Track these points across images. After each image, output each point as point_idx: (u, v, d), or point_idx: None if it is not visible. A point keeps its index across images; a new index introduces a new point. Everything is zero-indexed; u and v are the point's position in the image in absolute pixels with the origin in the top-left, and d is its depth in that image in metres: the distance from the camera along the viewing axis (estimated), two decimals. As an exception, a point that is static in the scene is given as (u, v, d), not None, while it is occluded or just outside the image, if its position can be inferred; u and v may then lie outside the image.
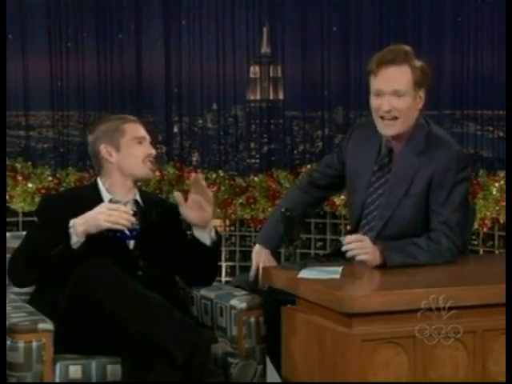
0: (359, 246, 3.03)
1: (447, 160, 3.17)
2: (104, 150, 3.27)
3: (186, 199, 3.28)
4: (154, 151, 3.32)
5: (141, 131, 3.33)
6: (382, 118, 3.16)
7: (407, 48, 3.18)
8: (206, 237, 3.30)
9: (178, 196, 3.29)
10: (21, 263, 3.13)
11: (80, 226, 3.06)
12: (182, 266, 3.33)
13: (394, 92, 3.12)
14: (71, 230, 3.06)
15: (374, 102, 3.16)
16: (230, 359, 3.10)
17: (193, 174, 3.34)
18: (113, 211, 3.08)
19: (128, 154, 3.27)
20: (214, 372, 3.02)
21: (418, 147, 3.20)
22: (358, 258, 3.03)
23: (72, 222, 3.07)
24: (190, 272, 3.36)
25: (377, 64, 3.14)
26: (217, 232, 3.35)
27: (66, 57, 5.41)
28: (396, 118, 3.14)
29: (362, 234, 3.21)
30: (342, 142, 3.55)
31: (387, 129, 3.17)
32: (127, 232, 3.10)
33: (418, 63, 3.17)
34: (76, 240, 3.06)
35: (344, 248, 3.05)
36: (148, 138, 3.34)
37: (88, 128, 4.89)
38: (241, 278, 3.62)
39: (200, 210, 3.25)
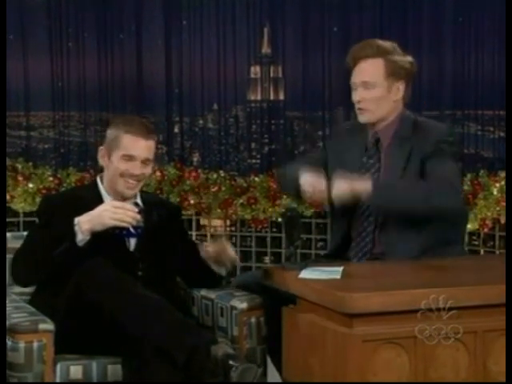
0: (316, 191, 3.15)
1: (437, 137, 3.28)
2: (102, 151, 3.27)
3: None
4: (136, 171, 3.18)
5: (135, 149, 3.20)
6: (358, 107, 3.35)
7: (380, 42, 3.34)
8: (222, 270, 3.36)
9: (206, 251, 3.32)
10: (23, 263, 3.14)
11: (85, 224, 3.06)
12: (182, 267, 3.33)
13: (363, 84, 3.30)
14: (76, 228, 3.06)
15: (352, 94, 3.37)
16: (230, 362, 3.09)
17: (219, 228, 3.37)
18: (118, 209, 3.08)
19: (112, 166, 3.22)
20: (214, 372, 3.02)
21: (407, 134, 3.32)
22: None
23: (77, 219, 3.07)
24: (192, 278, 3.38)
25: (352, 60, 3.35)
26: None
27: (66, 57, 5.41)
28: (367, 108, 3.31)
29: (362, 225, 3.30)
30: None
31: (360, 116, 3.35)
32: (132, 230, 3.11)
33: (395, 57, 3.31)
34: (81, 238, 3.06)
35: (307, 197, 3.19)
36: (142, 156, 3.19)
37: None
38: (242, 278, 3.63)
39: (219, 259, 3.31)
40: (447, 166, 3.23)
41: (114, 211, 3.07)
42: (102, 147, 3.28)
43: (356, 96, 3.32)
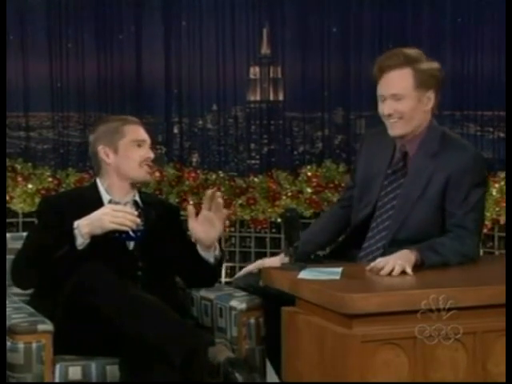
0: (388, 268, 2.99)
1: (464, 162, 3.17)
2: (102, 151, 3.26)
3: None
4: (152, 155, 3.29)
5: (141, 134, 3.30)
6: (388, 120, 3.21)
7: (408, 51, 3.22)
8: (209, 255, 3.29)
9: (189, 210, 3.25)
10: (25, 266, 3.12)
11: (85, 228, 3.05)
12: (181, 267, 3.33)
13: (393, 96, 3.17)
14: (76, 232, 3.05)
15: (379, 107, 3.23)
16: (231, 369, 3.06)
17: (209, 191, 3.29)
18: (118, 212, 3.07)
19: (125, 157, 3.25)
20: (212, 373, 3.02)
21: (433, 149, 3.22)
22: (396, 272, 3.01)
23: (76, 223, 3.05)
24: (190, 277, 3.36)
25: (378, 70, 3.21)
26: (221, 249, 3.35)
27: (66, 57, 5.42)
28: (400, 118, 3.18)
29: (372, 236, 3.26)
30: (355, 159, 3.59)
31: (393, 129, 3.21)
32: (131, 233, 3.11)
33: (423, 65, 3.19)
34: (81, 241, 3.05)
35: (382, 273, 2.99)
36: (148, 140, 3.31)
37: (89, 128, 4.91)
38: (242, 278, 3.62)
39: (209, 228, 3.23)
40: (467, 206, 3.15)
41: (113, 215, 3.06)
42: (101, 146, 3.27)
43: (386, 109, 3.18)
